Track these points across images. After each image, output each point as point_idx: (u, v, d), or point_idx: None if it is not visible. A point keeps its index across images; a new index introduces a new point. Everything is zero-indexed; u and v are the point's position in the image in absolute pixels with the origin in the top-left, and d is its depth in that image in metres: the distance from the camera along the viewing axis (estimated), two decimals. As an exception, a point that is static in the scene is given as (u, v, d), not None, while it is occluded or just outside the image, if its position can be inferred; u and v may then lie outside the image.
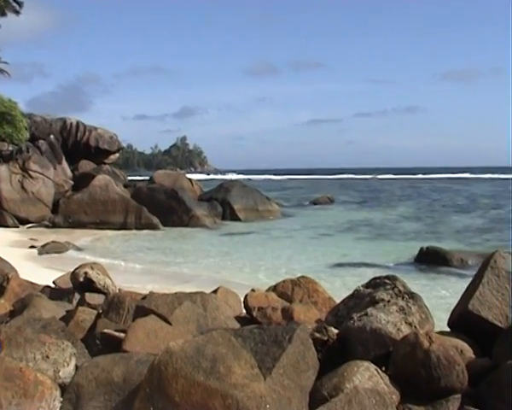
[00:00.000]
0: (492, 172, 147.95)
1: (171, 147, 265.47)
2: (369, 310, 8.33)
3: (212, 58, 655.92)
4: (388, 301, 8.56)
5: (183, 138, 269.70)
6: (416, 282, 16.55)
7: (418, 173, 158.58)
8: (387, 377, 7.37)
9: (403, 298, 8.64)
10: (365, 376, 7.14)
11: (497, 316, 8.66)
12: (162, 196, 39.55)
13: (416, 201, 62.73)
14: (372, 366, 7.37)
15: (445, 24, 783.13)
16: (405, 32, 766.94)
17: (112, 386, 6.67)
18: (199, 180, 55.30)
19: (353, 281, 14.14)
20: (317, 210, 51.46)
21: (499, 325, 8.60)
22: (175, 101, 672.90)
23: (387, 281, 9.41)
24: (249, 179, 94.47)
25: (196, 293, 9.75)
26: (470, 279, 9.48)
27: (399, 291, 8.92)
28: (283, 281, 11.62)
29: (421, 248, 24.22)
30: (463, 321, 8.90)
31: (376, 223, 39.55)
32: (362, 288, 9.71)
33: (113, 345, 7.79)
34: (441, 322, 9.45)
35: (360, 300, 9.23)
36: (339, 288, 14.82)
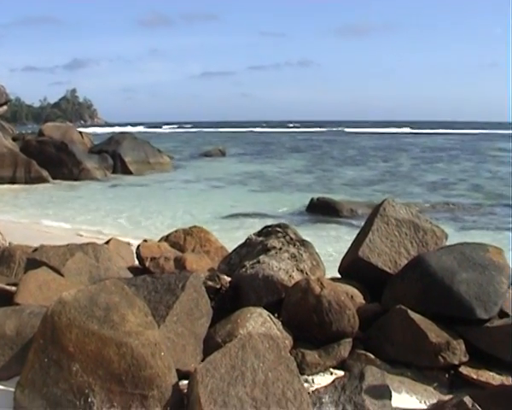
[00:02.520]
0: (383, 127, 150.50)
1: (60, 100, 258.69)
2: (262, 258, 8.43)
3: (104, 8, 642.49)
4: (280, 249, 8.69)
5: (73, 91, 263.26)
6: (306, 231, 16.77)
7: (311, 126, 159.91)
8: (280, 323, 7.52)
9: (294, 245, 8.79)
10: (258, 322, 7.26)
11: (387, 262, 8.92)
12: (52, 148, 38.60)
13: (307, 153, 63.36)
14: (265, 313, 7.49)
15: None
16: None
17: (4, 340, 6.58)
18: (93, 134, 54.31)
19: (245, 231, 14.25)
20: (209, 162, 51.38)
21: (388, 271, 8.86)
22: (66, 52, 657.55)
23: (279, 229, 9.54)
24: (140, 132, 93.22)
25: (88, 244, 9.65)
26: (360, 229, 9.71)
27: (291, 239, 9.07)
28: (175, 231, 11.63)
29: (312, 199, 24.57)
30: (354, 268, 9.13)
31: (268, 175, 39.82)
32: (254, 236, 9.81)
33: (4, 299, 7.63)
34: (332, 269, 9.67)
35: (252, 248, 9.33)
36: (231, 238, 14.88)
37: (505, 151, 65.49)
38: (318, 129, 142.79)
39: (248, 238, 9.96)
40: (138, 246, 10.44)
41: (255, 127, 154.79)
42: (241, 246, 9.95)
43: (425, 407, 6.50)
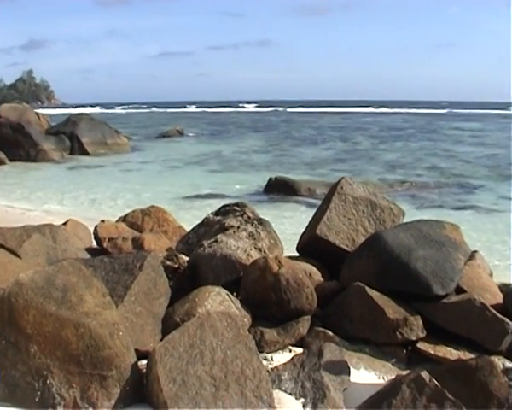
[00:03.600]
0: (341, 106, 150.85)
1: (16, 81, 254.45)
2: (219, 237, 8.44)
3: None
4: (238, 228, 8.70)
5: (30, 72, 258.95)
6: (265, 211, 16.81)
7: (270, 106, 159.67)
8: (238, 302, 7.54)
9: (252, 224, 8.80)
10: (217, 301, 7.27)
11: (344, 240, 8.98)
12: (8, 130, 38.10)
13: (265, 133, 63.30)
14: (223, 291, 7.50)
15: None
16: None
17: (-41, 323, 6.50)
18: (50, 115, 53.63)
19: (203, 211, 14.22)
20: (167, 143, 51.07)
21: (346, 248, 8.93)
22: (22, 33, 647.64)
23: (237, 208, 9.56)
24: (98, 113, 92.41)
25: (45, 225, 9.55)
26: (318, 207, 9.75)
27: (248, 217, 9.08)
28: (133, 211, 11.57)
29: (270, 179, 24.57)
30: (312, 246, 9.18)
31: (226, 155, 39.73)
32: (211, 215, 9.81)
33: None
34: (290, 248, 9.70)
35: (210, 227, 9.34)
36: (189, 217, 14.86)
37: (461, 130, 66.23)
38: (277, 109, 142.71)
39: (206, 218, 9.96)
40: (96, 227, 10.37)
41: (213, 107, 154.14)
42: (199, 225, 9.94)
43: (383, 383, 6.55)
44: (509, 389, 5.46)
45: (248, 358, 5.60)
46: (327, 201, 9.41)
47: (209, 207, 15.82)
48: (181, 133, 60.16)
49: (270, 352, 7.34)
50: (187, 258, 8.45)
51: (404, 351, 7.66)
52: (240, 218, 9.11)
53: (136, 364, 5.79)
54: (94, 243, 10.40)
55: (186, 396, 5.21)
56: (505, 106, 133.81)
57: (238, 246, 8.21)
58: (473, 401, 5.40)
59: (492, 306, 7.87)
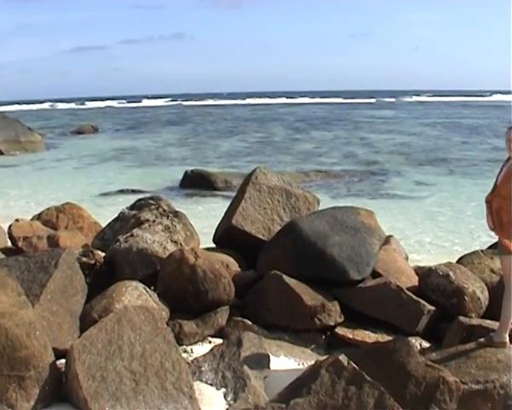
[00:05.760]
0: (256, 97, 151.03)
1: None
2: (135, 231, 8.40)
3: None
4: (153, 221, 8.68)
5: None
6: (181, 204, 16.84)
7: (187, 99, 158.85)
8: (156, 295, 7.53)
9: (167, 217, 8.79)
10: (134, 295, 7.24)
11: (260, 229, 9.05)
12: None
13: (182, 126, 62.96)
14: (140, 285, 7.48)
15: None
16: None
17: None
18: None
19: (120, 206, 14.09)
20: (82, 140, 50.30)
21: (262, 237, 9.00)
22: None
23: (152, 202, 9.54)
24: (10, 111, 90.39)
25: (-44, 226, 9.35)
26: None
27: (164, 211, 9.07)
28: (48, 209, 11.41)
29: (186, 172, 24.46)
30: (228, 236, 9.21)
31: (142, 150, 39.38)
32: (127, 210, 9.76)
33: None
34: (208, 240, 9.72)
35: (126, 222, 9.28)
36: (105, 213, 14.68)
37: (376, 118, 67.23)
38: (194, 102, 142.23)
39: (121, 212, 9.90)
40: (10, 226, 10.20)
41: (129, 102, 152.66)
42: (114, 220, 9.87)
43: (303, 369, 6.62)
44: (426, 369, 5.59)
45: (167, 351, 5.60)
46: (242, 191, 9.45)
47: (125, 203, 15.66)
48: (96, 129, 59.34)
49: (190, 344, 7.36)
50: (103, 254, 8.39)
51: (323, 337, 7.78)
52: (155, 211, 9.09)
53: (54, 363, 5.72)
54: (9, 243, 10.23)
55: (106, 392, 5.18)
56: (418, 93, 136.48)
57: (154, 239, 8.19)
58: (391, 382, 5.50)
59: (408, 288, 8.06)
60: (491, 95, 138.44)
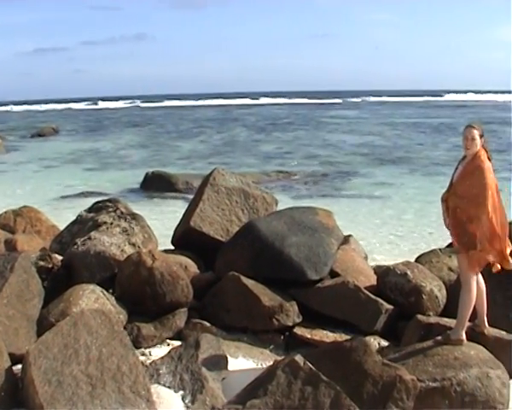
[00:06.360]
0: (219, 98, 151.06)
1: None
2: (93, 234, 8.36)
3: None
4: (111, 224, 8.64)
5: None
6: (142, 206, 16.80)
7: (148, 101, 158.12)
8: (114, 298, 7.50)
9: (125, 220, 8.76)
10: (91, 298, 7.21)
11: (218, 230, 9.06)
12: None
13: (142, 128, 62.60)
14: (98, 289, 7.44)
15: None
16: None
17: None
18: None
19: (78, 209, 13.98)
20: (42, 142, 49.81)
21: (220, 239, 9.01)
22: None
23: (109, 204, 9.50)
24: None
25: None
26: (192, 200, 9.78)
27: (122, 213, 9.04)
28: (5, 212, 11.33)
29: (147, 174, 24.37)
30: (186, 238, 9.21)
31: (103, 152, 39.12)
32: (84, 213, 9.71)
33: None
34: (167, 242, 9.70)
35: (83, 225, 9.24)
36: (64, 217, 14.54)
37: (338, 118, 67.53)
38: (155, 104, 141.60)
39: (79, 215, 9.85)
40: (-34, 231, 10.09)
41: (90, 104, 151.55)
42: (72, 223, 9.82)
43: (261, 369, 6.64)
44: (383, 367, 5.63)
45: (124, 354, 5.58)
46: (200, 192, 9.46)
47: (85, 206, 15.57)
48: (56, 131, 58.83)
49: (149, 346, 7.35)
50: (60, 257, 8.33)
51: (282, 337, 7.81)
52: (113, 214, 9.05)
53: (11, 368, 5.69)
54: (-35, 249, 10.10)
55: (62, 397, 5.14)
56: (380, 93, 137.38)
57: (112, 242, 8.16)
58: (348, 381, 5.54)
59: (366, 288, 8.13)
60: (443, 95, 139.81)
